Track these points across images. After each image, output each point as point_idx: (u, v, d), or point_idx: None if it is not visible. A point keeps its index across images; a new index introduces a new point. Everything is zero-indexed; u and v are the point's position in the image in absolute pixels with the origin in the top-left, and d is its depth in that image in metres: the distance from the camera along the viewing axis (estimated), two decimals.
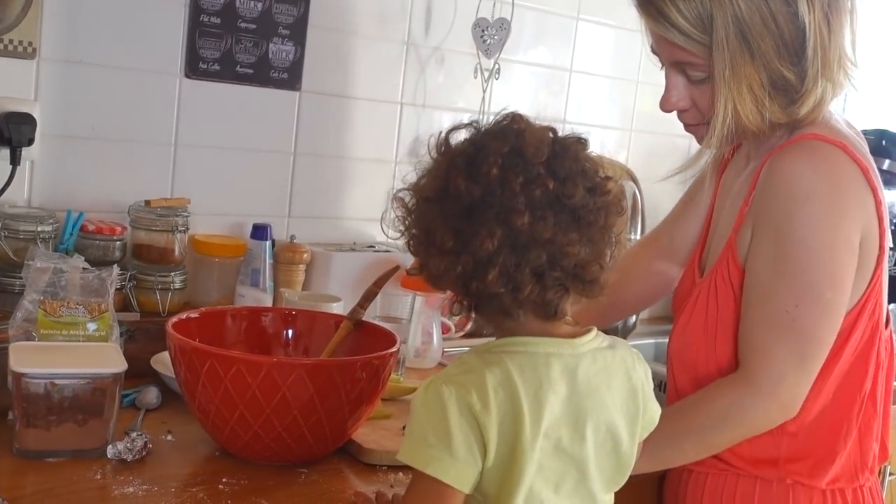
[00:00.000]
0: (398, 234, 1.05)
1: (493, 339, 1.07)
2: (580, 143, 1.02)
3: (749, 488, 1.35)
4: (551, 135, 1.01)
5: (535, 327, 1.03)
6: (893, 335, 1.42)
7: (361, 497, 1.19)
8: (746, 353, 1.29)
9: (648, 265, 1.59)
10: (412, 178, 1.04)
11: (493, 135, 1.01)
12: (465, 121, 1.06)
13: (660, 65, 1.35)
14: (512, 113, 1.03)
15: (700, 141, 1.34)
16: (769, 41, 1.23)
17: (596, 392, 1.03)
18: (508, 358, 1.00)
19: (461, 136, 1.03)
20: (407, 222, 1.04)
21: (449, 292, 1.05)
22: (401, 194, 1.04)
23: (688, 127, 1.37)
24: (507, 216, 0.96)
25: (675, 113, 1.36)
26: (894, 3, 3.06)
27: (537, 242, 0.97)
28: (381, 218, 1.09)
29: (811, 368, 1.27)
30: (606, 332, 1.12)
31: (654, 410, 1.12)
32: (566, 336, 1.04)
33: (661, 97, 1.35)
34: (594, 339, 1.06)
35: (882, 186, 1.31)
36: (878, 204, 1.28)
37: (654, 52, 1.33)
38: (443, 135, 1.04)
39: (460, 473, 0.97)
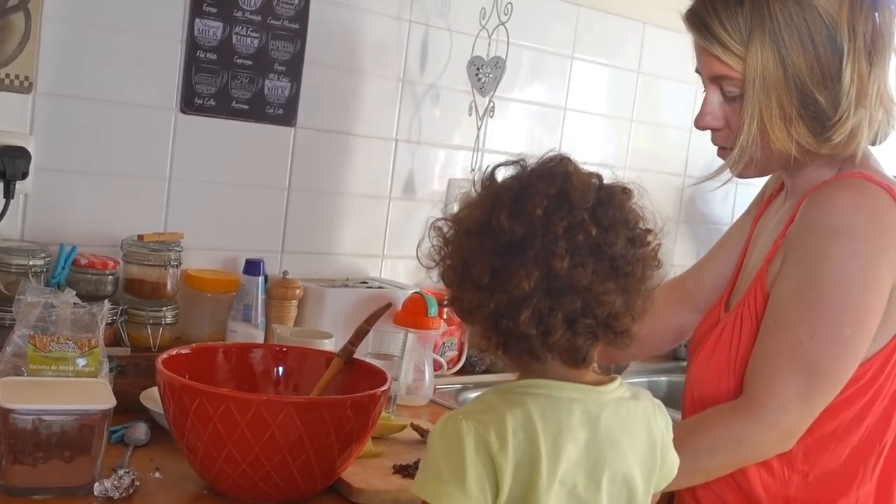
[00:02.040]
0: (432, 264, 1.04)
1: (510, 377, 1.06)
2: (625, 192, 1.01)
3: None
4: (596, 181, 1.00)
5: (561, 372, 1.01)
6: None
7: None
8: (754, 377, 1.28)
9: (668, 313, 1.55)
10: (452, 209, 1.04)
11: (540, 175, 1.00)
12: (510, 159, 1.05)
13: (703, 87, 1.36)
14: (560, 154, 1.02)
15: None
16: (803, 60, 1.25)
17: (616, 442, 1.02)
18: (531, 400, 0.99)
19: (507, 172, 1.03)
20: (443, 253, 1.03)
21: (472, 328, 1.04)
22: (439, 223, 1.04)
23: (719, 151, 1.37)
24: (547, 259, 0.95)
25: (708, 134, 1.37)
26: None
27: (574, 288, 0.96)
28: (418, 246, 1.08)
29: (816, 403, 1.26)
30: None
31: (673, 462, 1.10)
32: (591, 383, 1.03)
33: (696, 114, 1.36)
34: (618, 389, 1.04)
35: None
36: None
37: (697, 71, 1.36)
38: (489, 170, 1.03)
39: None
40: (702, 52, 1.32)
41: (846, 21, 1.25)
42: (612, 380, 1.05)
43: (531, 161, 1.03)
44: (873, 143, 1.34)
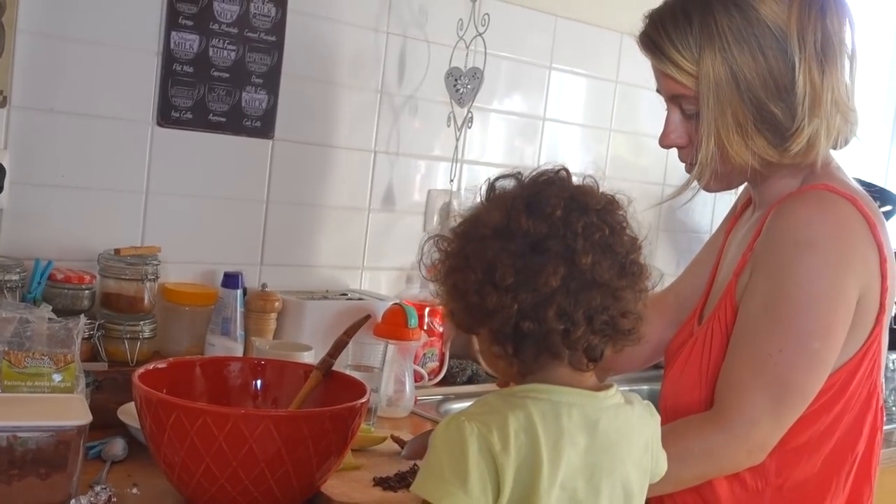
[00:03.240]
0: (438, 277, 1.06)
1: (491, 387, 1.08)
2: (615, 202, 1.06)
3: None
4: (598, 188, 1.06)
5: (565, 377, 1.03)
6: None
7: None
8: (724, 391, 1.29)
9: (650, 329, 1.55)
10: (440, 225, 1.07)
11: (548, 182, 1.04)
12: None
13: (665, 105, 1.37)
14: (559, 165, 1.06)
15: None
16: (755, 73, 1.26)
17: (614, 447, 1.04)
18: (532, 404, 1.01)
19: (506, 184, 1.06)
20: (451, 263, 1.04)
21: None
22: (436, 238, 1.06)
23: (687, 166, 1.39)
24: (571, 255, 0.99)
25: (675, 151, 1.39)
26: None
27: (596, 283, 1.00)
28: (419, 262, 1.10)
29: (786, 416, 1.27)
30: None
31: (664, 459, 1.14)
32: (590, 389, 1.05)
33: (660, 133, 1.37)
34: (615, 395, 1.07)
35: (890, 243, 1.30)
36: (882, 261, 1.27)
37: (658, 91, 1.37)
38: (490, 181, 1.07)
39: None
40: (658, 73, 1.34)
41: (795, 31, 1.26)
42: (609, 386, 1.07)
43: (527, 173, 1.07)
44: (835, 147, 1.35)
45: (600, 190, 1.06)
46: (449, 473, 0.97)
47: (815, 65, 1.27)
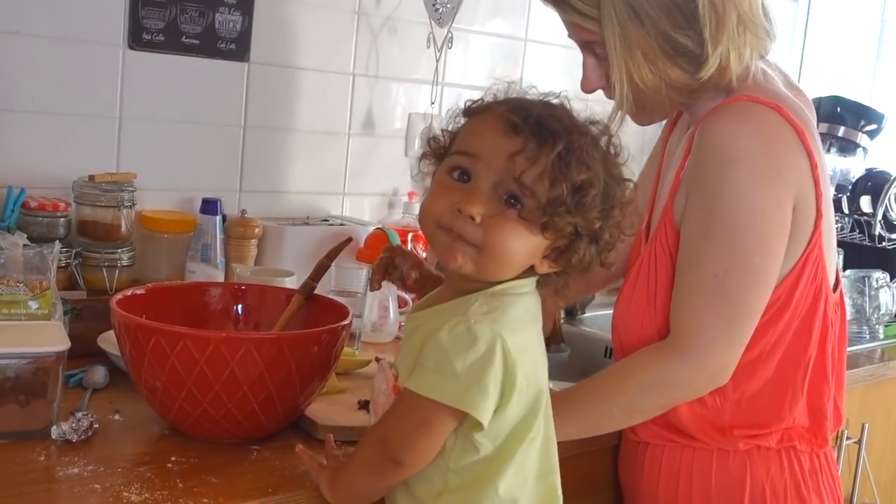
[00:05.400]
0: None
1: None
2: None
3: (706, 460, 1.34)
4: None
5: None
6: (844, 300, 1.42)
7: (306, 454, 1.17)
8: (676, 318, 1.29)
9: None
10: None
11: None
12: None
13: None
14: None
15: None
16: (657, 7, 1.24)
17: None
18: (520, 300, 1.05)
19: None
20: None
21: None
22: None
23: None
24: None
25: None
26: None
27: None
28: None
29: (740, 335, 1.27)
30: None
31: None
32: None
33: (580, 80, 1.35)
34: None
35: (820, 148, 1.30)
36: (813, 167, 1.26)
37: (570, 37, 1.34)
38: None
39: (485, 408, 0.99)
40: (566, 22, 1.32)
41: None
42: None
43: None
44: (761, 58, 1.33)
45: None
46: (465, 374, 0.98)
47: None
